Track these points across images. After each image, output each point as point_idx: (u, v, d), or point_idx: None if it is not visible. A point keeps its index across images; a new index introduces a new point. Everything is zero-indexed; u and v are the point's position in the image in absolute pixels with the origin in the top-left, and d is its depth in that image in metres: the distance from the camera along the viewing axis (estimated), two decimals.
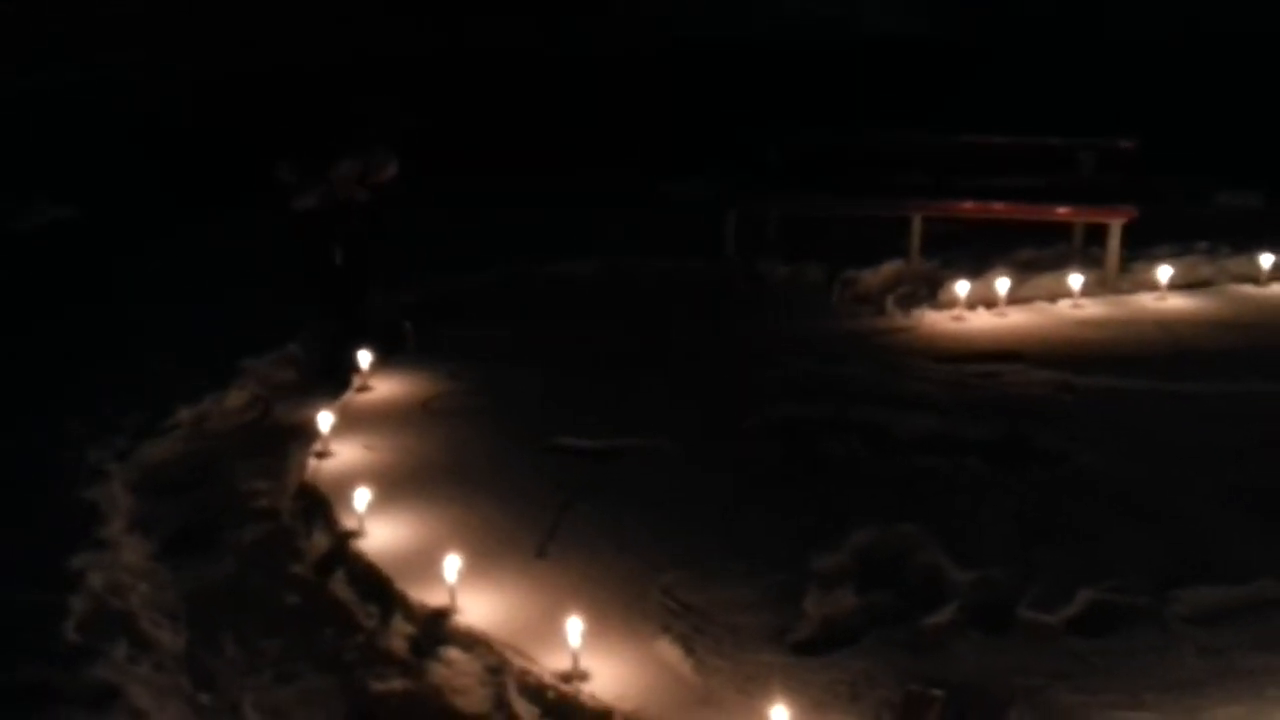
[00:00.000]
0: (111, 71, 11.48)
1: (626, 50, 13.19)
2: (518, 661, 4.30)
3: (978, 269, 8.53)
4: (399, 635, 4.63)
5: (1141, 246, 8.84)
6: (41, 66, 12.01)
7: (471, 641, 4.46)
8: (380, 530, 5.23)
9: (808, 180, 9.71)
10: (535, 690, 4.19)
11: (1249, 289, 8.71)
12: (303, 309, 7.65)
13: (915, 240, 8.88)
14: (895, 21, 14.32)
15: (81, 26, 11.67)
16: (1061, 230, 9.20)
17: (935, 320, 8.10)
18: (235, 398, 6.80)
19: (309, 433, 6.13)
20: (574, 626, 4.21)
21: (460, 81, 12.66)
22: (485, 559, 4.91)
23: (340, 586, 5.01)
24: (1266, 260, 8.76)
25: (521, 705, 4.17)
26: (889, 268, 8.79)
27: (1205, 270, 8.84)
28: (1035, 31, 13.88)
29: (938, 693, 4.03)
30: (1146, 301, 8.47)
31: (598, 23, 13.93)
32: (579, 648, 4.21)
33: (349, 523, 5.26)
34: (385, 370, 7.04)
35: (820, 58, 13.21)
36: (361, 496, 5.24)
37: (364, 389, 6.79)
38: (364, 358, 6.83)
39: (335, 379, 6.87)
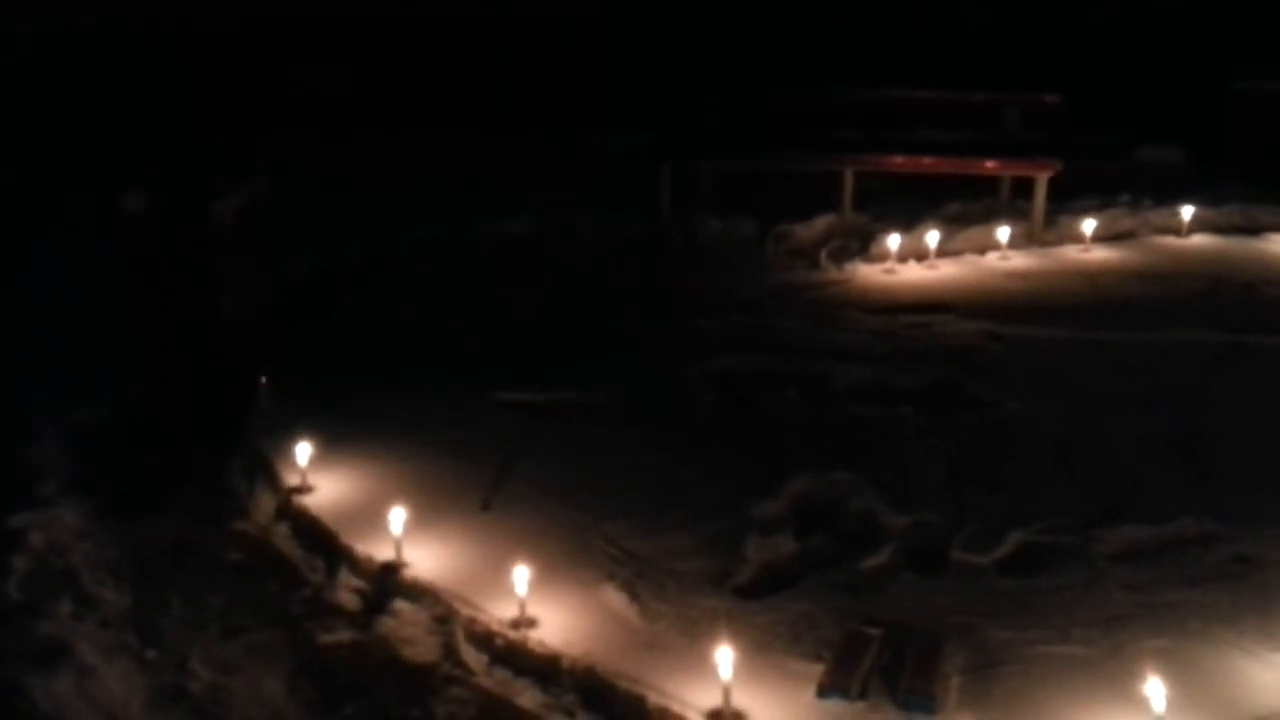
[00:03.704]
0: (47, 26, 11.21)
1: (561, 7, 13.12)
2: (465, 611, 4.36)
3: (908, 223, 8.68)
4: (345, 588, 4.67)
5: (1066, 200, 9.04)
6: None
7: (419, 592, 4.51)
8: (323, 486, 5.24)
9: (740, 136, 9.78)
10: (483, 638, 4.26)
11: (1170, 240, 8.95)
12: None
13: (847, 195, 9.00)
14: None
15: None
16: (989, 184, 9.36)
17: (867, 273, 8.23)
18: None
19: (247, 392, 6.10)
20: (520, 575, 4.28)
21: (402, 39, 12.53)
22: (430, 512, 4.94)
23: (284, 542, 5.03)
24: (1187, 212, 8.99)
25: (470, 653, 4.24)
26: (821, 222, 8.91)
27: (1128, 223, 9.07)
28: None
29: (875, 631, 4.17)
30: (1071, 253, 8.67)
31: None
32: (526, 595, 4.28)
33: (292, 479, 5.27)
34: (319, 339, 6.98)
35: (748, 14, 13.22)
36: (303, 451, 5.25)
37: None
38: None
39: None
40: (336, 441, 5.53)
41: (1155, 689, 3.69)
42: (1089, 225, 8.78)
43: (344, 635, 4.44)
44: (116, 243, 6.25)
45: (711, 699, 3.81)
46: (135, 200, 6.20)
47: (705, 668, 3.88)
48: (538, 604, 4.31)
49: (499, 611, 4.32)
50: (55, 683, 3.99)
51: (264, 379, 6.04)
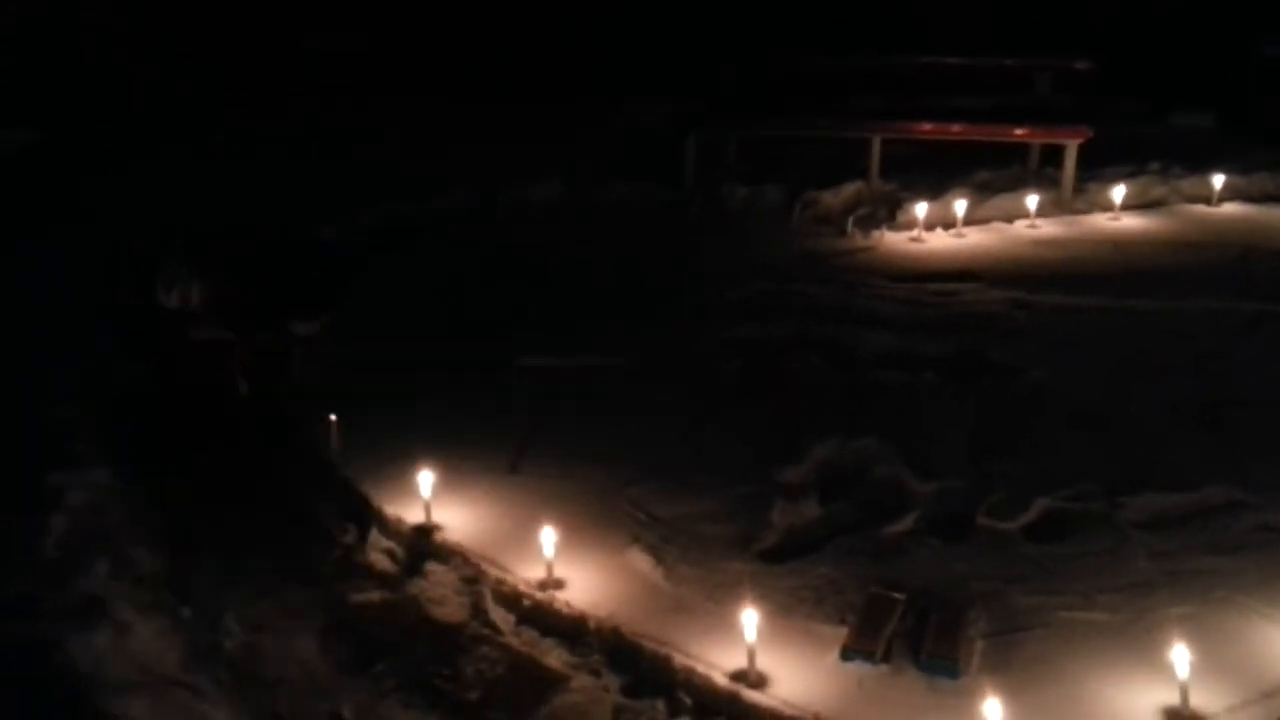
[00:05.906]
0: None
1: None
2: (494, 572, 4.42)
3: (936, 190, 8.65)
4: (376, 549, 4.74)
5: (1096, 167, 8.98)
6: None
7: (448, 553, 4.57)
8: (353, 448, 5.29)
9: (766, 103, 9.75)
10: (511, 599, 4.31)
11: (1200, 209, 8.88)
12: None
13: (874, 162, 8.96)
14: None
15: None
16: (1018, 151, 9.31)
17: (894, 241, 8.22)
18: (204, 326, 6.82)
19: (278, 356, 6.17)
20: (548, 536, 4.33)
21: (421, 7, 12.50)
22: (458, 475, 4.99)
23: (317, 503, 5.09)
24: (1218, 180, 8.92)
25: (498, 613, 4.29)
26: (849, 189, 8.89)
27: (1158, 191, 9.01)
28: None
29: (899, 595, 4.20)
30: (1100, 221, 8.63)
31: None
32: (553, 557, 4.33)
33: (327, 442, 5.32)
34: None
35: None
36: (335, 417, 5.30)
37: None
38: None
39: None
40: (366, 404, 5.58)
41: (1179, 655, 3.70)
42: (1119, 193, 8.73)
43: (375, 595, 4.50)
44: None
45: (736, 660, 3.85)
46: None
47: (730, 630, 3.92)
48: (565, 566, 4.36)
49: (526, 573, 4.37)
50: (93, 639, 4.04)
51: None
